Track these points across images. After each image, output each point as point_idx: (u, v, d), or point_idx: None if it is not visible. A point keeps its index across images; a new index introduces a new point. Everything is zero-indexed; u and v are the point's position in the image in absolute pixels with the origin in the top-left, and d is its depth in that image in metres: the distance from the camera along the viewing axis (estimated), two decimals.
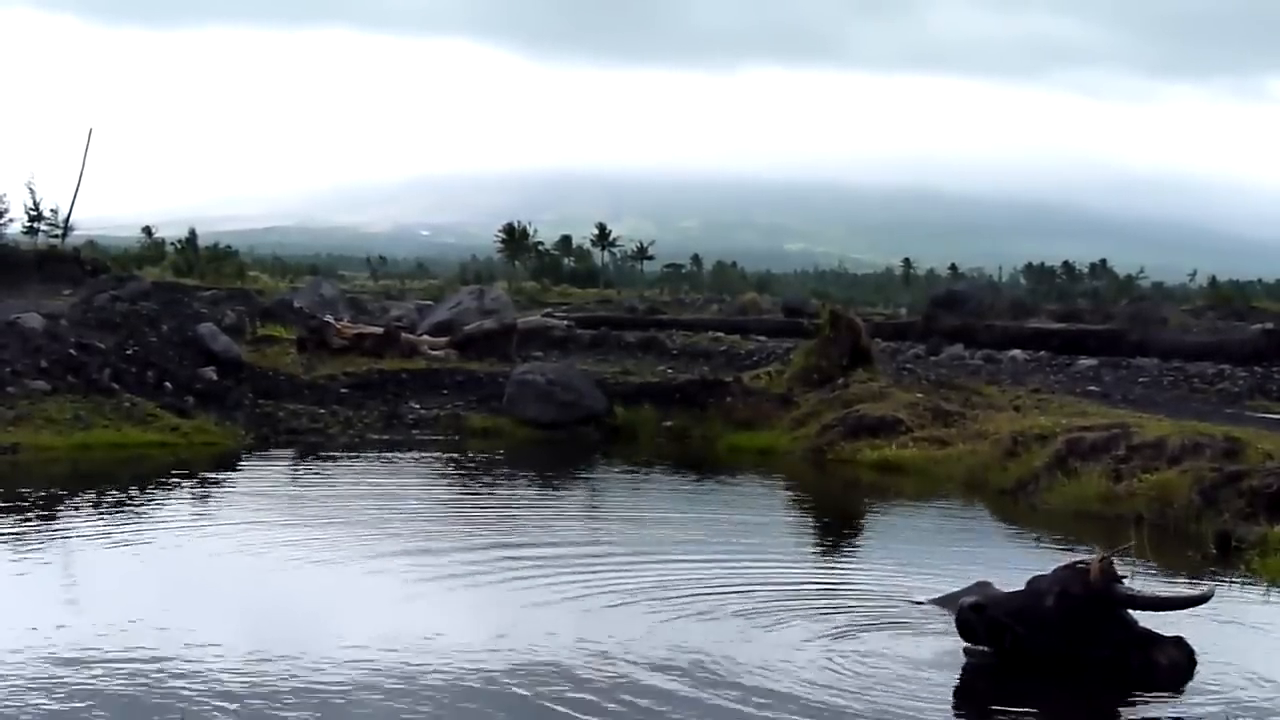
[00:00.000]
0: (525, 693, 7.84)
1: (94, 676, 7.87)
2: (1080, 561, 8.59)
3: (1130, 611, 8.49)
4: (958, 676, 8.43)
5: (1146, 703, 8.14)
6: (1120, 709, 8.18)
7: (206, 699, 7.52)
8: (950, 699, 8.11)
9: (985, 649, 8.50)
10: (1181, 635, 8.47)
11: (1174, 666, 8.31)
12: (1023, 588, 8.58)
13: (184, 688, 7.68)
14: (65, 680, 7.79)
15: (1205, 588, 9.39)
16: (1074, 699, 8.18)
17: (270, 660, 8.26)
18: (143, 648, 8.49)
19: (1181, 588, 10.71)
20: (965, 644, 8.58)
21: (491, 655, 8.57)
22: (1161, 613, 8.63)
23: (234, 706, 7.42)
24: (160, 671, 7.98)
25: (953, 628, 8.75)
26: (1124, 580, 8.54)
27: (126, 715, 7.28)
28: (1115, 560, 8.59)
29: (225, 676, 7.91)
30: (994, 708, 8.21)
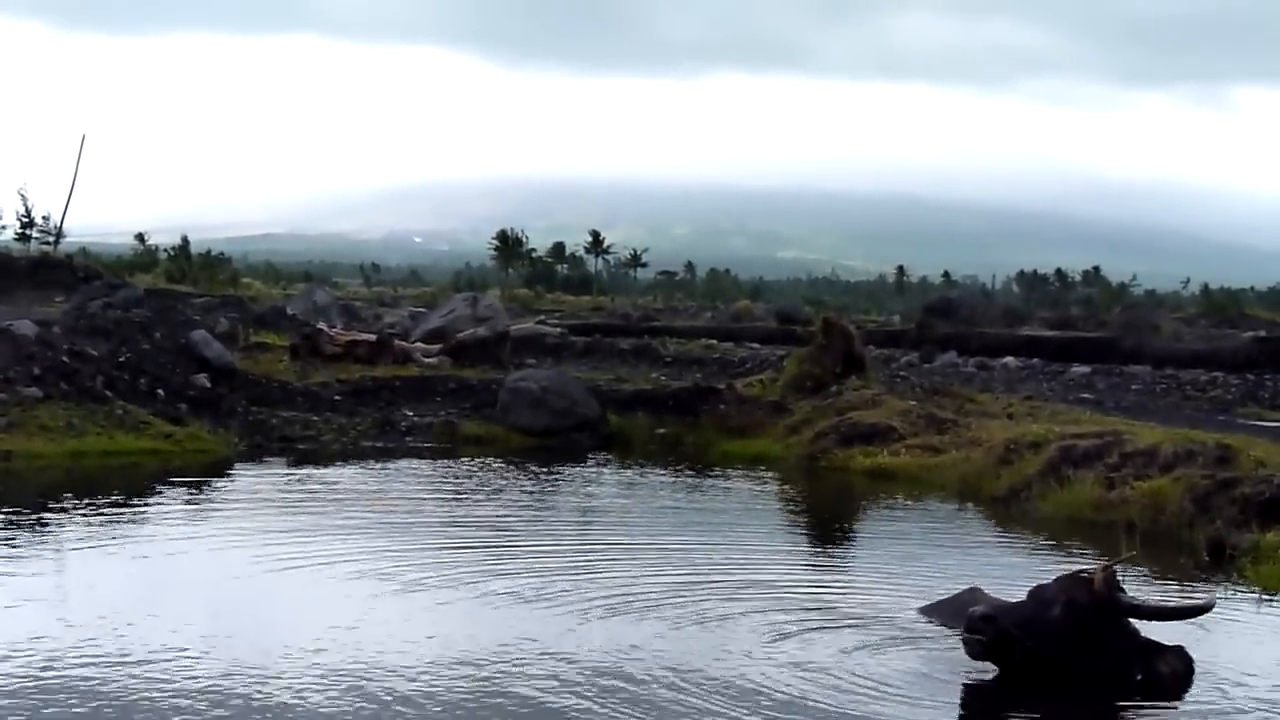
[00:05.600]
0: (508, 693, 7.83)
1: (75, 680, 7.83)
2: (1083, 571, 8.54)
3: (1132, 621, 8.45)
4: (951, 686, 8.39)
5: (1141, 711, 8.12)
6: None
7: (190, 706, 7.49)
8: (942, 710, 8.09)
9: (991, 660, 8.41)
10: (1181, 645, 8.45)
11: (1175, 676, 8.27)
12: (1024, 597, 8.49)
13: (168, 693, 7.65)
14: (45, 684, 7.76)
15: (1207, 597, 9.34)
16: (1072, 709, 8.15)
17: (251, 666, 8.23)
18: (128, 654, 8.44)
19: (1182, 597, 10.69)
20: (970, 654, 8.47)
21: (471, 661, 8.56)
22: (1163, 622, 8.61)
23: (217, 713, 7.39)
24: (144, 678, 7.94)
25: (946, 636, 8.72)
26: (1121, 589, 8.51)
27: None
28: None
29: (209, 683, 7.87)
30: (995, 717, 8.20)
